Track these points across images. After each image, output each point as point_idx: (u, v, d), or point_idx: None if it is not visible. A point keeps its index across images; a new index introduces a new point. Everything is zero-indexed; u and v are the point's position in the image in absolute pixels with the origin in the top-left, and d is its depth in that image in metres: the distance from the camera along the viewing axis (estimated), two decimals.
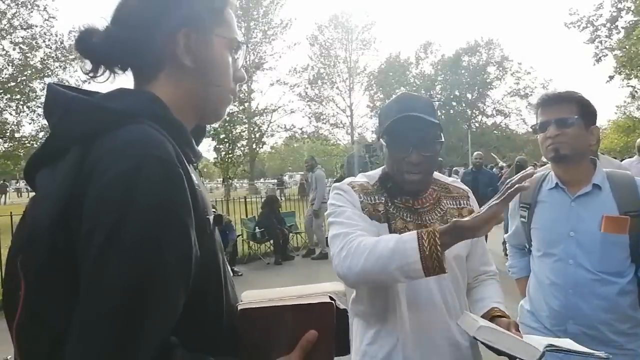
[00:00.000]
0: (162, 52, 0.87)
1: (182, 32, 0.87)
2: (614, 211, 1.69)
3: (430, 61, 40.71)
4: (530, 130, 39.34)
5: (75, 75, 20.86)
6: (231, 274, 0.98)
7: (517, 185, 1.13)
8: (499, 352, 1.19)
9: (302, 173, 9.04)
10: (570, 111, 1.73)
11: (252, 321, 0.85)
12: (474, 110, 39.65)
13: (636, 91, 23.86)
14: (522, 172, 1.17)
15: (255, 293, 0.92)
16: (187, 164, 0.80)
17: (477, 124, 39.68)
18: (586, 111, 1.75)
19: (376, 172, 1.62)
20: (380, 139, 1.53)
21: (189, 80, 0.90)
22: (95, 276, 0.67)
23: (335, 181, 9.74)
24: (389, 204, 1.51)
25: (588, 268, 1.70)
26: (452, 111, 39.07)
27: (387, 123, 1.47)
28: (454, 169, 16.96)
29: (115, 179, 0.69)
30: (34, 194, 0.81)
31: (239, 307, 0.87)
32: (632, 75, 20.39)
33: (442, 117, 33.94)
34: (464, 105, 39.80)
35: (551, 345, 1.19)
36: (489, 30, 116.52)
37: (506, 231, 2.17)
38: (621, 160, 5.56)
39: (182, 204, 0.74)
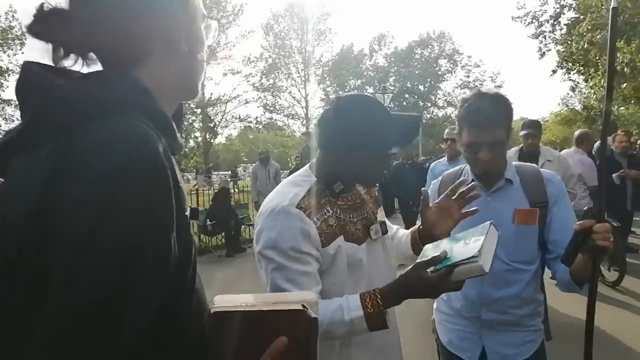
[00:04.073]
0: (156, 37, 0.83)
1: (183, 19, 0.86)
2: (525, 204, 1.76)
3: (383, 53, 41.24)
4: None
5: (14, 60, 19.88)
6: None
7: None
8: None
9: (255, 164, 8.74)
10: (501, 132, 1.70)
11: (222, 324, 0.84)
12: (426, 102, 40.50)
13: (576, 84, 25.08)
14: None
15: (228, 298, 0.91)
16: (172, 159, 0.74)
17: (428, 116, 40.57)
18: (511, 119, 1.74)
19: (301, 178, 1.47)
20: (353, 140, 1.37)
21: (180, 61, 0.88)
22: (71, 277, 0.62)
23: (290, 172, 9.67)
24: (337, 212, 1.42)
25: (503, 259, 1.76)
26: (404, 102, 39.66)
27: (387, 126, 1.36)
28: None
29: (99, 178, 0.64)
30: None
31: (212, 310, 0.85)
32: (574, 70, 21.31)
33: (396, 108, 34.41)
34: (416, 97, 40.54)
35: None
36: (441, 23, 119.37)
37: None
38: (560, 151, 5.81)
39: (165, 207, 0.69)
